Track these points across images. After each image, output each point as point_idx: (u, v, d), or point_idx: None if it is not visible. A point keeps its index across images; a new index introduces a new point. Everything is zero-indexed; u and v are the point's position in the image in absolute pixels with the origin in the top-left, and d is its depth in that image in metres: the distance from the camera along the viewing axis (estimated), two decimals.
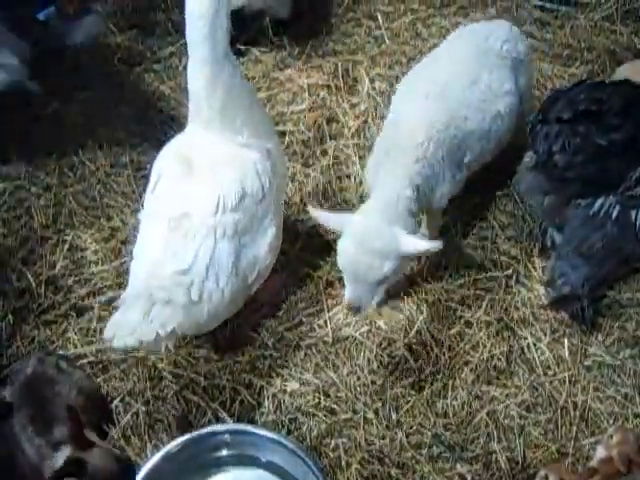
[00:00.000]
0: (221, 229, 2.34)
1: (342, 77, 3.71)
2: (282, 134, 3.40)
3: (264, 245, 2.47)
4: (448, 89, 2.73)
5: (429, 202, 2.75)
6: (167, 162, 2.51)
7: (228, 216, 2.36)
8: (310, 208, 2.67)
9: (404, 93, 2.87)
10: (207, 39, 2.28)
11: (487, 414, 2.58)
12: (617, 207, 2.63)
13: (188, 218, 2.34)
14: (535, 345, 2.76)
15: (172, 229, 2.33)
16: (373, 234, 2.49)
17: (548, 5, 4.16)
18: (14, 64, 3.25)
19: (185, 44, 3.91)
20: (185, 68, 3.80)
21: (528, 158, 2.76)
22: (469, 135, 2.74)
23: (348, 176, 3.30)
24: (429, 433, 2.53)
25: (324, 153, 3.40)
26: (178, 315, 2.27)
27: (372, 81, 3.68)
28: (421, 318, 2.76)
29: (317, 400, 2.58)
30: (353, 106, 3.59)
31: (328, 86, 3.70)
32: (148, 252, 2.35)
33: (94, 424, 2.40)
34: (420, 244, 2.53)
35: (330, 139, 3.45)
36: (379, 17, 4.08)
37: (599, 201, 2.64)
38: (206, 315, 2.34)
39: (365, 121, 3.49)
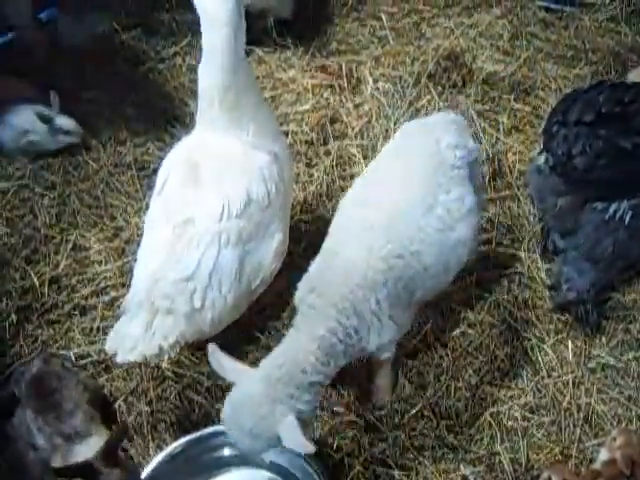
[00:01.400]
0: (225, 236, 2.33)
1: (346, 77, 3.71)
2: (285, 134, 3.40)
3: (269, 252, 2.46)
4: (398, 218, 2.21)
5: (360, 354, 2.25)
6: (174, 166, 2.50)
7: (233, 223, 2.35)
8: (209, 347, 2.10)
9: (343, 218, 2.33)
10: (229, 45, 2.26)
11: (490, 416, 2.58)
12: (629, 212, 2.58)
13: (192, 224, 2.33)
14: (539, 347, 2.76)
15: (176, 235, 2.32)
16: (249, 409, 2.00)
17: (553, 6, 4.16)
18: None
19: (189, 44, 3.95)
20: (189, 68, 3.86)
21: (541, 160, 2.69)
22: (422, 272, 2.23)
23: (352, 176, 3.29)
24: (432, 435, 2.52)
25: (327, 153, 3.40)
26: (180, 324, 2.27)
27: (376, 81, 3.68)
28: (424, 319, 2.76)
29: (320, 401, 2.58)
30: (357, 106, 3.59)
31: (332, 86, 3.70)
32: (151, 258, 2.35)
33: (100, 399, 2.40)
34: (298, 441, 1.95)
35: (334, 139, 3.45)
36: (383, 17, 4.08)
37: (613, 206, 2.58)
38: (209, 322, 2.34)
39: (369, 121, 3.49)
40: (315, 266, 2.28)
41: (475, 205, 2.36)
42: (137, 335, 2.21)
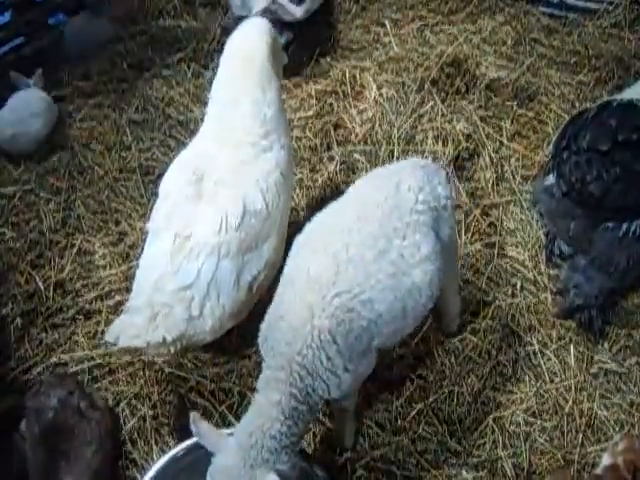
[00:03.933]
0: (225, 248, 2.36)
1: (349, 83, 3.73)
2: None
3: (266, 261, 2.48)
4: (346, 266, 2.10)
5: (322, 400, 2.17)
6: (176, 177, 2.53)
7: (231, 236, 2.38)
8: (192, 415, 2.04)
9: (292, 266, 2.22)
10: None
11: (493, 420, 2.58)
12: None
13: (193, 236, 2.36)
14: (541, 352, 2.76)
15: (177, 247, 2.35)
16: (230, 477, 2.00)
17: (556, 12, 4.18)
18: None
19: (194, 50, 3.97)
20: (194, 74, 3.89)
21: (550, 181, 2.68)
22: (376, 320, 2.13)
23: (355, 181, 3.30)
24: (435, 440, 2.53)
25: (331, 159, 3.41)
26: (181, 326, 2.30)
27: (379, 87, 3.69)
28: (427, 325, 2.77)
29: (323, 405, 2.58)
30: (360, 112, 3.60)
31: (335, 92, 3.72)
32: (152, 269, 2.36)
33: (107, 469, 2.43)
34: None
35: (337, 145, 3.47)
36: (387, 24, 4.10)
37: (625, 224, 2.58)
38: (208, 329, 2.36)
39: (372, 127, 3.51)
40: (265, 323, 2.18)
41: (434, 252, 2.23)
42: (141, 324, 2.23)
